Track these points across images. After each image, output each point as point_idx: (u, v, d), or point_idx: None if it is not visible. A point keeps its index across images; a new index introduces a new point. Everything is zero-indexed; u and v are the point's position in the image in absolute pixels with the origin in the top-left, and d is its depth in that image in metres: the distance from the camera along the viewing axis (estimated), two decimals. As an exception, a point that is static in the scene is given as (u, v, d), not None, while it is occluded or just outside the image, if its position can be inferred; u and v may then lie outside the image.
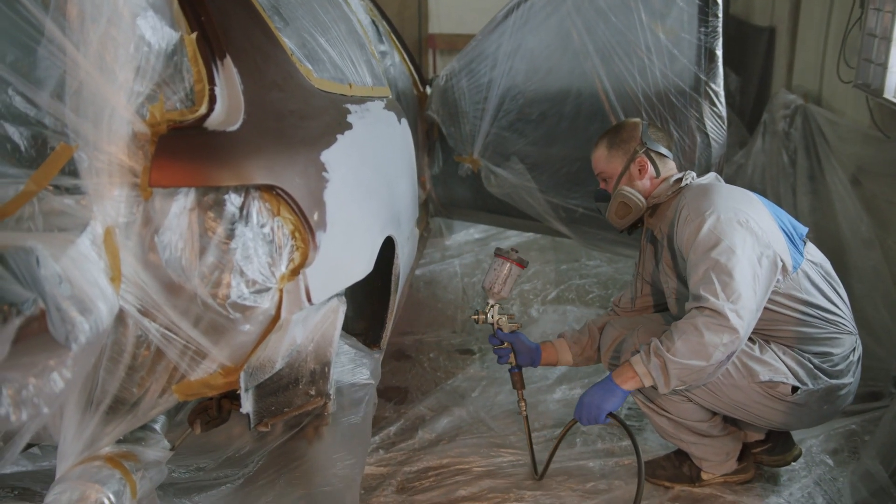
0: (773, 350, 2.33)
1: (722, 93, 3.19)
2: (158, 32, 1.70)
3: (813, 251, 2.41)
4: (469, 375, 3.37)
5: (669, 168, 2.53)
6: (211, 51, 1.79)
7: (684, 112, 3.18)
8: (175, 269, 1.63)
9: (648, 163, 2.49)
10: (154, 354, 1.67)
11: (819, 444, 2.77)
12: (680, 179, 2.47)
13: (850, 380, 2.39)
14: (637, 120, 2.59)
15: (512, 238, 5.03)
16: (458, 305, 4.14)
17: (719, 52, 3.17)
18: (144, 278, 1.62)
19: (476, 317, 2.67)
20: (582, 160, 3.66)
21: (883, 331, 3.28)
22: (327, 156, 1.96)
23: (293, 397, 1.94)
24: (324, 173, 1.91)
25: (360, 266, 2.09)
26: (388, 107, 2.82)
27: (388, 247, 2.53)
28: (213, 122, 1.71)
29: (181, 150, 1.64)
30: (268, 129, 1.81)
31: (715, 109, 3.20)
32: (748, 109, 6.10)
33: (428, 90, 4.27)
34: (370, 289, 2.64)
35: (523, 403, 2.67)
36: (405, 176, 2.79)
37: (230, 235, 1.68)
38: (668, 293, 2.51)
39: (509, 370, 2.70)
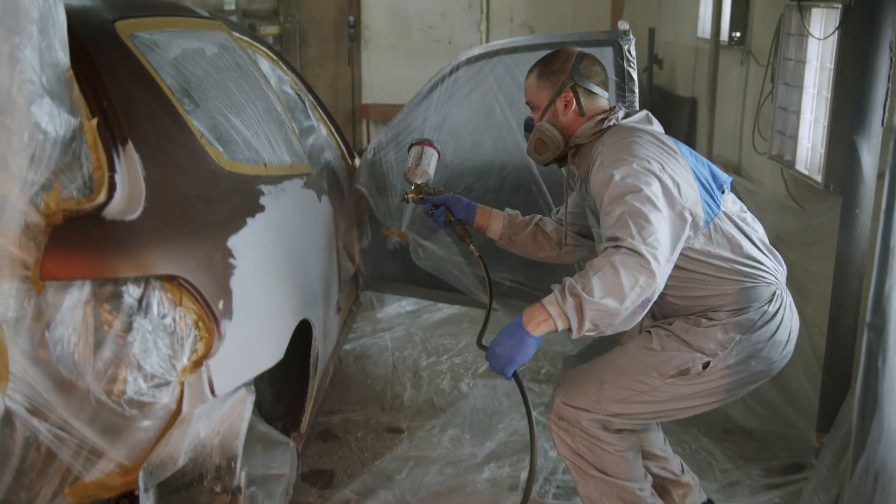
0: (672, 339, 2.30)
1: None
2: (56, 119, 1.65)
3: (731, 202, 2.35)
4: (397, 455, 3.30)
5: (597, 106, 2.38)
6: (112, 136, 1.75)
7: (605, 184, 3.22)
8: (67, 365, 1.56)
9: (574, 100, 2.36)
10: (45, 456, 1.59)
11: (745, 517, 2.77)
12: (603, 120, 2.34)
13: (767, 334, 2.30)
14: (574, 50, 2.43)
15: (443, 310, 5.00)
16: (388, 381, 4.07)
17: (636, 126, 3.25)
18: (34, 376, 1.54)
19: (405, 196, 2.71)
20: (507, 233, 3.69)
21: (805, 401, 3.32)
22: (235, 241, 1.92)
23: (198, 495, 1.86)
24: (231, 259, 1.87)
25: (270, 354, 2.04)
26: (308, 185, 2.80)
27: (307, 328, 2.48)
28: (111, 210, 1.66)
29: (76, 240, 1.59)
30: (170, 216, 1.77)
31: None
32: (673, 178, 6.24)
33: (357, 163, 4.27)
34: (289, 372, 2.57)
35: (473, 247, 2.65)
36: (324, 255, 2.76)
37: (127, 328, 1.62)
38: (596, 237, 2.42)
39: (451, 226, 2.69)
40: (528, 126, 2.49)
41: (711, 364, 2.26)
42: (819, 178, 3.56)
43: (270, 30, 7.86)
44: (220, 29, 2.78)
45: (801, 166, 3.84)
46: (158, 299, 1.67)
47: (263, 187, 2.29)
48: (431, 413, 3.72)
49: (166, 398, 1.66)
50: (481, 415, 3.66)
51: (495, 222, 2.72)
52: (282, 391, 2.64)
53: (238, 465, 1.91)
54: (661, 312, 2.39)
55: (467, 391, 3.92)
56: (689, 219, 2.14)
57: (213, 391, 1.74)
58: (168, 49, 2.21)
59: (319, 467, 3.21)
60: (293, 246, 2.36)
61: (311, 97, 4.17)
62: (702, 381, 2.29)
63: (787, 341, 2.35)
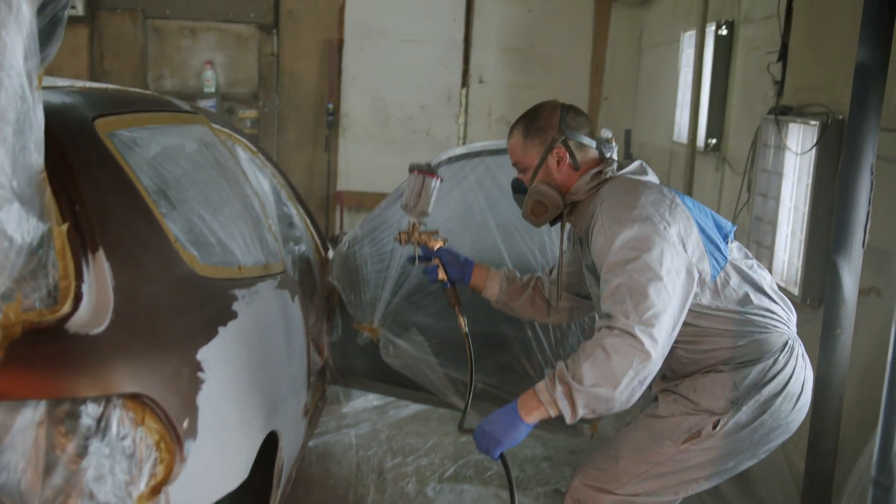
0: (680, 402, 2.20)
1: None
2: (24, 225, 1.56)
3: (736, 249, 2.27)
4: (359, 569, 3.14)
5: (590, 158, 2.29)
6: (82, 243, 1.67)
7: (582, 289, 3.18)
8: (12, 495, 1.44)
9: (567, 155, 2.26)
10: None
11: None
12: (599, 173, 2.25)
13: (778, 386, 2.19)
14: (556, 102, 2.34)
15: (410, 407, 4.88)
16: (352, 483, 3.92)
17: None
18: (-25, 506, 1.42)
19: (398, 236, 2.54)
20: (482, 335, 3.61)
21: (782, 519, 3.24)
22: (205, 353, 1.83)
23: None
24: (199, 373, 1.78)
25: (234, 475, 1.93)
26: (282, 285, 2.72)
27: (273, 438, 2.36)
28: (75, 323, 1.57)
29: (35, 356, 1.49)
30: (139, 329, 1.68)
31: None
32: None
33: (331, 254, 4.21)
34: (250, 482, 2.44)
35: (462, 319, 2.50)
36: (295, 360, 2.66)
37: (82, 453, 1.51)
38: (594, 299, 2.32)
39: (441, 287, 2.53)
40: (517, 188, 2.40)
41: (721, 422, 2.15)
42: (796, 290, 3.56)
43: (249, 113, 7.88)
44: (202, 123, 2.74)
45: (777, 278, 3.84)
46: (119, 418, 1.57)
47: (237, 292, 2.21)
48: (396, 520, 3.59)
49: (118, 531, 1.54)
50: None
51: (492, 284, 2.62)
52: (242, 503, 2.50)
53: None
54: (670, 367, 2.27)
55: (433, 496, 3.79)
56: (697, 275, 2.08)
57: (170, 519, 1.62)
58: (147, 147, 2.16)
59: (277, 580, 3.04)
60: (265, 354, 2.27)
61: (288, 188, 4.14)
62: (715, 442, 2.17)
63: (801, 393, 2.24)
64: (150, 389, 1.61)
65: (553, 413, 1.99)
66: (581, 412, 1.96)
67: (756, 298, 2.21)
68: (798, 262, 3.59)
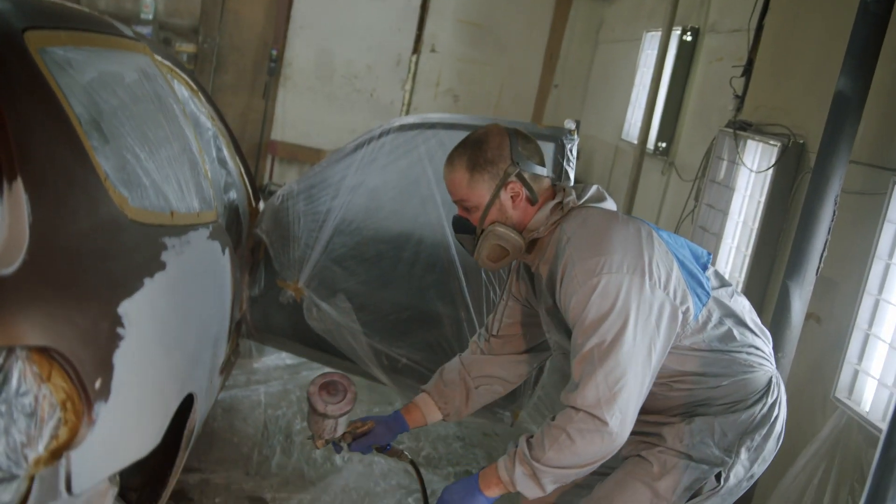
0: (670, 455, 2.01)
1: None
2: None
3: (713, 276, 2.08)
4: (256, 535, 3.00)
5: (545, 189, 2.03)
6: (-1, 168, 1.47)
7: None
8: None
9: (523, 188, 2.00)
10: None
11: None
12: (558, 205, 2.01)
13: (765, 428, 2.04)
14: (500, 128, 2.04)
15: (325, 369, 4.70)
16: (257, 442, 3.77)
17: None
18: None
19: (315, 444, 2.22)
20: (413, 309, 3.49)
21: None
22: (127, 307, 1.65)
23: None
24: (119, 329, 1.60)
25: (146, 441, 1.76)
26: (213, 235, 2.53)
27: (188, 400, 2.19)
28: (-20, 259, 1.37)
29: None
30: (55, 273, 1.49)
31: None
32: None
33: (261, 206, 4.02)
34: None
35: (406, 456, 2.29)
36: (220, 317, 2.49)
37: (-26, 408, 1.32)
38: (553, 345, 2.15)
39: (384, 452, 2.30)
40: (461, 227, 2.11)
41: (723, 476, 1.97)
42: (731, 306, 3.54)
43: (186, 47, 7.50)
44: (144, 52, 2.51)
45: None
46: (21, 372, 1.38)
47: (167, 240, 2.02)
48: (300, 485, 3.44)
49: (6, 497, 1.36)
50: (353, 495, 3.42)
51: (431, 413, 2.33)
52: (143, 459, 2.33)
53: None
54: (643, 408, 2.03)
55: (341, 465, 3.67)
56: (681, 317, 1.90)
57: (69, 488, 1.45)
58: (83, 71, 1.92)
59: (169, 542, 2.88)
60: (190, 310, 2.09)
61: (225, 133, 3.91)
62: (719, 500, 2.00)
63: (782, 433, 2.09)
64: (61, 343, 1.43)
65: (513, 490, 1.92)
66: (550, 488, 1.90)
67: (739, 334, 2.04)
68: (739, 277, 3.56)
